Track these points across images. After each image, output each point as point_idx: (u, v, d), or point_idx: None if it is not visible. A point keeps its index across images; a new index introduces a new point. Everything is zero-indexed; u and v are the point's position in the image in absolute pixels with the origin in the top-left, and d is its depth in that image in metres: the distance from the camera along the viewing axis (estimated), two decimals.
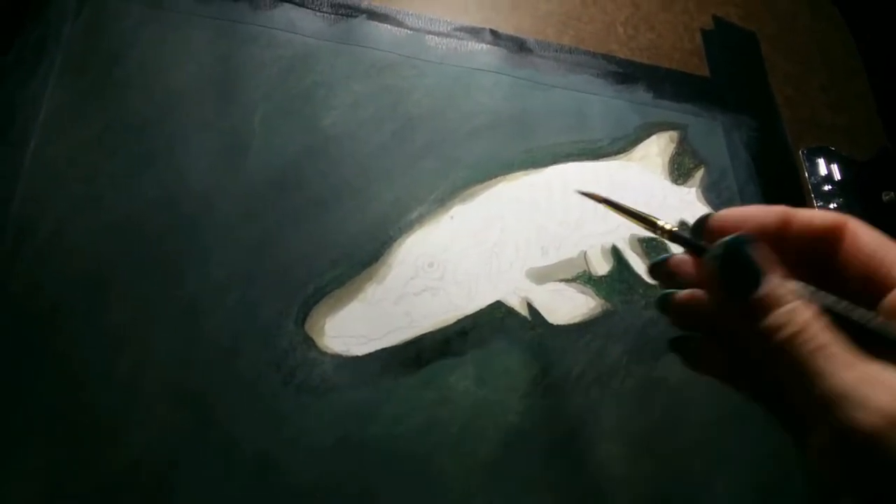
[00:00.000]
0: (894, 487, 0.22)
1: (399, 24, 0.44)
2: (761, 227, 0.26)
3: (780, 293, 0.23)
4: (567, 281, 0.40)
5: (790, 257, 0.26)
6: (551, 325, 0.38)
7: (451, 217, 0.40)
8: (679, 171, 0.46)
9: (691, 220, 0.43)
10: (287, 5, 0.42)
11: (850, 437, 0.22)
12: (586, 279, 0.40)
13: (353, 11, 0.44)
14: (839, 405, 0.22)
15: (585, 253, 0.41)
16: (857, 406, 0.22)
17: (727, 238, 0.24)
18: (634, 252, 0.42)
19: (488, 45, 0.46)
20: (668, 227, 0.26)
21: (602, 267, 0.41)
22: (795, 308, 0.23)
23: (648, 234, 0.41)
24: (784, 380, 0.24)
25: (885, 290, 0.26)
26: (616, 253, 0.42)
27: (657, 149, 0.46)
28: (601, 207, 0.41)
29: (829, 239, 0.27)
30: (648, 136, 0.47)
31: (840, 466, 0.23)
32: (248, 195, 0.37)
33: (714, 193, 0.46)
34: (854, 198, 0.49)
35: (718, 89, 0.51)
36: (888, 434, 0.21)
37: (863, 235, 0.27)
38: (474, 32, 0.46)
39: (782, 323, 0.23)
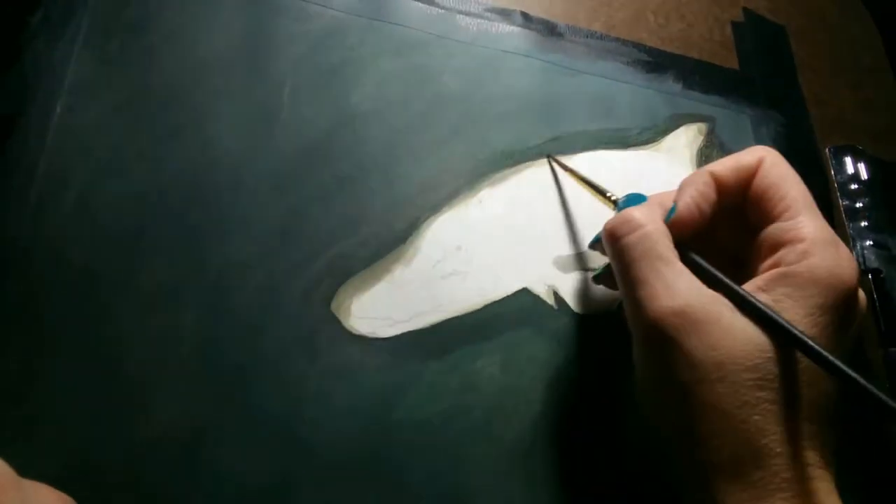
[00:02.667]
0: (664, 368, 0.28)
1: (430, 2, 0.44)
2: (702, 196, 0.32)
3: (627, 218, 0.31)
4: (594, 270, 0.39)
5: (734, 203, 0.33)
6: (577, 314, 0.38)
7: (480, 201, 0.39)
8: (706, 164, 0.45)
9: None
10: None
11: (639, 327, 0.29)
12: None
13: None
14: (628, 310, 0.30)
15: None
16: (636, 313, 0.29)
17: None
18: None
19: (519, 28, 0.45)
20: (613, 197, 0.35)
21: None
22: (617, 234, 0.31)
23: None
24: (619, 280, 0.31)
25: (769, 223, 0.31)
26: None
27: (685, 140, 0.46)
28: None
29: (750, 175, 0.32)
30: (676, 127, 0.46)
31: (638, 354, 0.30)
32: (275, 169, 0.36)
33: None
34: (880, 197, 0.49)
35: (747, 83, 0.50)
36: (649, 338, 0.28)
37: (771, 168, 0.32)
38: (505, 14, 0.45)
39: (621, 235, 0.30)
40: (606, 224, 0.32)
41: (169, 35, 0.37)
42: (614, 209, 0.34)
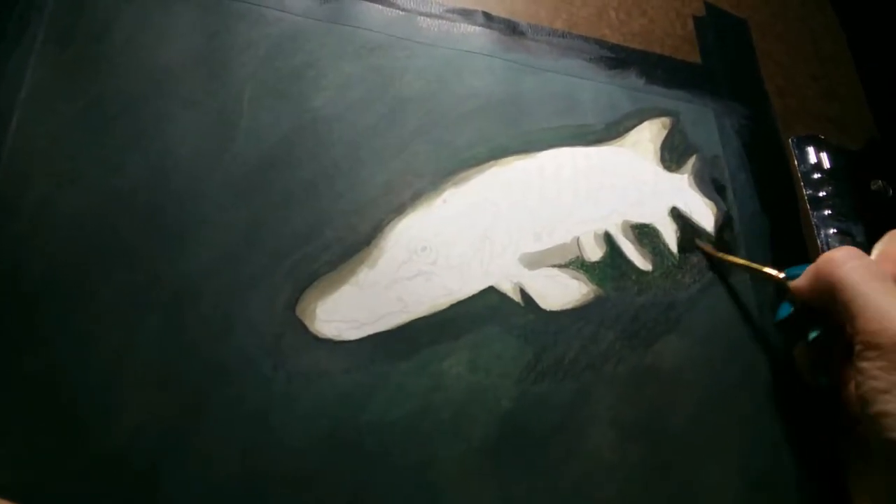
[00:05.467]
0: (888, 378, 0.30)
1: (390, 4, 0.44)
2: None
3: (849, 249, 0.34)
4: (560, 266, 0.40)
5: None
6: (544, 310, 0.38)
7: (444, 201, 0.39)
8: (671, 158, 0.46)
9: (683, 207, 0.43)
10: None
11: (880, 340, 0.30)
12: (579, 265, 0.40)
13: None
14: (874, 317, 0.31)
15: (578, 238, 0.41)
16: (889, 318, 0.30)
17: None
18: (627, 238, 0.42)
19: (481, 28, 0.45)
20: (781, 275, 0.38)
21: (595, 253, 0.41)
22: (840, 260, 0.34)
23: (641, 220, 0.41)
24: (840, 308, 0.33)
25: None
26: (609, 239, 0.41)
27: (649, 135, 0.46)
28: (593, 192, 0.41)
29: None
30: (640, 121, 0.46)
31: (869, 372, 0.31)
32: (237, 176, 0.36)
33: (705, 180, 0.46)
34: (843, 186, 0.49)
35: (710, 76, 0.51)
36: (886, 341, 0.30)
37: None
38: (466, 14, 0.45)
39: (846, 261, 0.33)
40: (825, 255, 0.35)
41: (126, 42, 0.37)
42: (781, 279, 0.38)
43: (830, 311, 0.34)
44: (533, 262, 0.39)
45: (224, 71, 0.38)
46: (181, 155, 0.35)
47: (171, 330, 0.32)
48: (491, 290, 0.38)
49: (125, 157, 0.34)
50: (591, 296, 0.40)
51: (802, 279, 0.36)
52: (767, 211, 0.46)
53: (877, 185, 0.49)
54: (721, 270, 0.43)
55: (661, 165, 0.45)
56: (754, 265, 0.40)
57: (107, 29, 0.37)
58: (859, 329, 0.31)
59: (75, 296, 0.31)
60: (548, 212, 0.41)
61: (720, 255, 0.42)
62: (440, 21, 0.44)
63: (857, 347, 0.32)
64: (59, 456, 0.29)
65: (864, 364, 0.31)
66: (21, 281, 0.31)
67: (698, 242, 0.43)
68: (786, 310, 0.38)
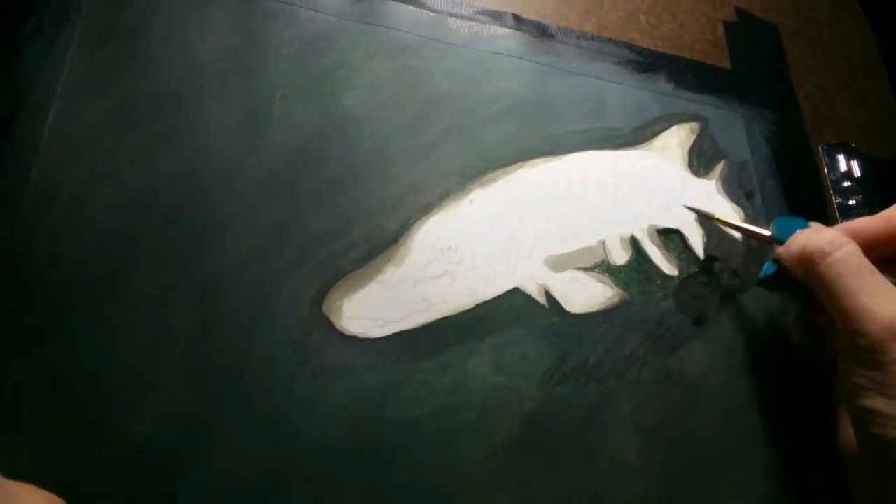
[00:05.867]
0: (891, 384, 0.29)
1: (421, 5, 0.44)
2: (868, 235, 0.34)
3: (831, 238, 0.33)
4: (585, 269, 0.40)
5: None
6: (569, 313, 0.38)
7: (471, 201, 0.39)
8: (699, 163, 0.46)
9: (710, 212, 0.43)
10: None
11: (860, 342, 0.30)
12: (605, 268, 0.40)
13: None
14: (854, 318, 0.30)
15: (604, 242, 0.41)
16: (867, 319, 0.30)
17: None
18: (653, 243, 0.42)
19: (510, 30, 0.45)
20: (767, 232, 0.38)
21: (621, 256, 0.41)
22: (826, 251, 0.32)
23: (667, 225, 0.41)
24: (823, 300, 0.32)
25: None
26: (635, 243, 0.41)
27: (677, 139, 0.46)
28: (620, 196, 0.41)
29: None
30: (669, 126, 0.46)
31: (852, 367, 0.31)
32: (267, 172, 0.36)
33: (734, 186, 0.46)
34: (874, 195, 0.49)
35: (740, 82, 0.50)
36: (887, 340, 0.29)
37: None
38: (496, 16, 0.46)
39: (831, 252, 0.32)
40: (809, 245, 0.33)
41: (162, 40, 0.37)
42: (768, 238, 0.38)
43: (812, 287, 0.34)
44: (558, 264, 0.39)
45: (256, 69, 0.38)
46: (212, 152, 0.36)
47: (199, 325, 0.32)
48: (516, 292, 0.38)
49: (158, 154, 0.35)
50: (616, 299, 0.39)
51: (789, 252, 0.35)
52: None
53: None
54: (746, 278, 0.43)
55: (688, 170, 0.45)
56: (742, 224, 0.41)
57: (142, 26, 0.37)
58: (840, 322, 0.31)
59: (104, 290, 0.32)
60: (574, 214, 0.41)
61: (714, 217, 0.42)
62: (470, 22, 0.45)
63: (840, 339, 0.32)
64: (91, 441, 0.29)
65: (847, 359, 0.31)
66: (52, 273, 0.32)
67: (689, 205, 0.43)
68: (770, 269, 0.38)
